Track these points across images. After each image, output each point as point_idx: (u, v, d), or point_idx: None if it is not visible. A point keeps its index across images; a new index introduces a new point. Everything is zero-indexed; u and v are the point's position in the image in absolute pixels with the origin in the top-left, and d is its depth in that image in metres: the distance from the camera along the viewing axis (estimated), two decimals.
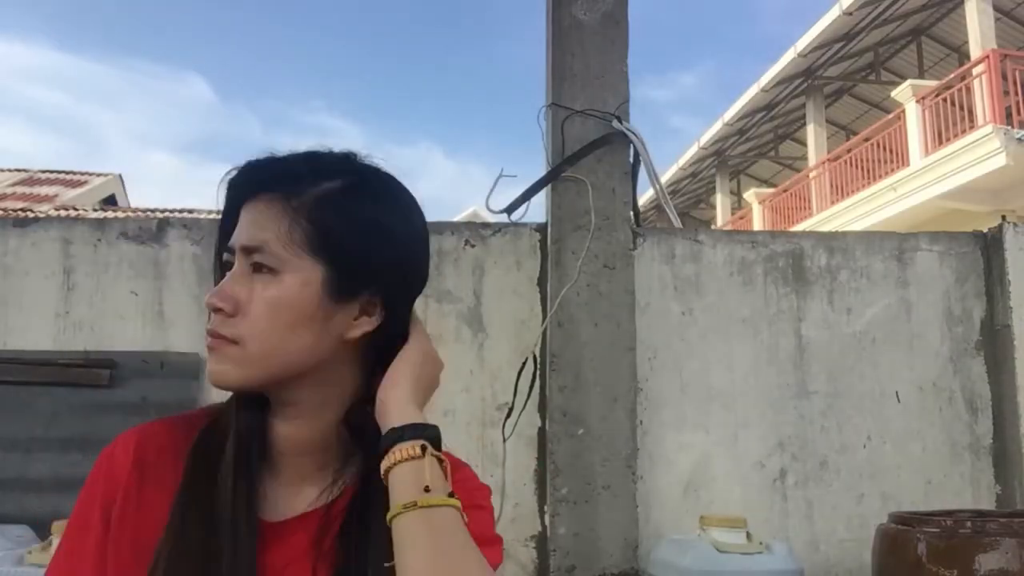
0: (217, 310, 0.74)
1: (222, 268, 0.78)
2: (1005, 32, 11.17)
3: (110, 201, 13.19)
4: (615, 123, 2.84)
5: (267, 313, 0.74)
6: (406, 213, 0.82)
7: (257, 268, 0.75)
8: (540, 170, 2.93)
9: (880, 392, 2.88)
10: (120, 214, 10.79)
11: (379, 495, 0.74)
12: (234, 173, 0.78)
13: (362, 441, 0.79)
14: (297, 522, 0.78)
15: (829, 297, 2.93)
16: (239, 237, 0.76)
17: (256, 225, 0.75)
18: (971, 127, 9.25)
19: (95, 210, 11.05)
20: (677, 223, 3.23)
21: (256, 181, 0.77)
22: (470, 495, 0.78)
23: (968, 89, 9.62)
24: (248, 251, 0.75)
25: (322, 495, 0.79)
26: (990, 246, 2.98)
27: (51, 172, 13.76)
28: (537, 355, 2.77)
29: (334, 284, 0.76)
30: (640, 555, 2.64)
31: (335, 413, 0.79)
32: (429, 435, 0.74)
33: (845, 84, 13.94)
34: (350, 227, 0.76)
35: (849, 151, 12.20)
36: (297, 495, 0.79)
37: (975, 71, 9.52)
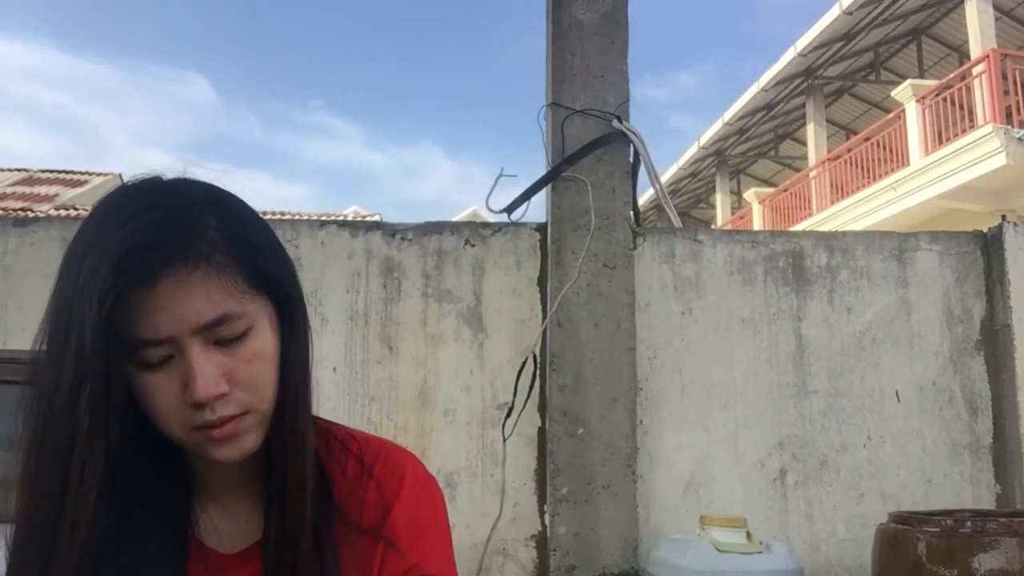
0: (219, 397, 0.70)
1: (143, 366, 0.69)
2: (1005, 32, 11.18)
3: None
4: (615, 123, 2.84)
5: (262, 368, 0.72)
6: (247, 203, 0.78)
7: (223, 339, 0.70)
8: (540, 170, 2.93)
9: (880, 392, 2.88)
10: None
11: (326, 519, 0.75)
12: (110, 275, 0.66)
13: (285, 461, 0.75)
14: (252, 550, 0.78)
15: (829, 297, 2.93)
16: (184, 322, 0.68)
17: (195, 300, 0.68)
18: (971, 127, 9.25)
19: None
20: (677, 223, 3.23)
21: (155, 263, 0.67)
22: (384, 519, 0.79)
23: (968, 89, 9.62)
24: (208, 327, 0.69)
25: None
26: (990, 246, 2.98)
27: (51, 172, 13.78)
28: (537, 355, 2.77)
29: (281, 307, 0.75)
30: (640, 555, 2.64)
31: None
32: None
33: (845, 84, 13.94)
34: (263, 244, 0.75)
35: (849, 151, 12.21)
36: (248, 524, 0.79)
37: (975, 71, 9.53)
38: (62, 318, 0.69)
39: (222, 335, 0.70)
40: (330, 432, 0.84)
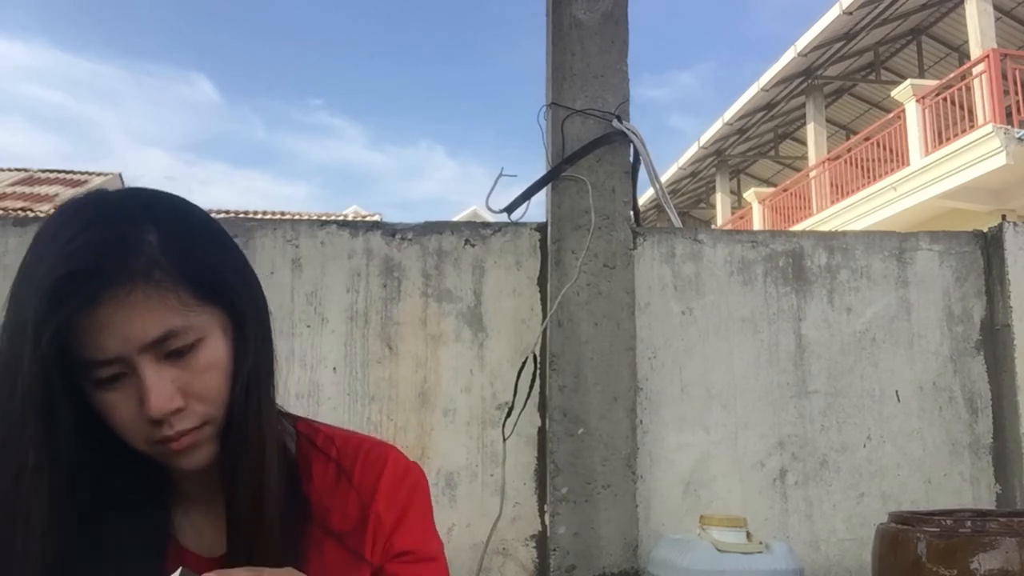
0: (175, 412, 0.69)
1: (97, 385, 0.69)
2: (1005, 31, 11.18)
3: None
4: (615, 122, 2.84)
5: (217, 378, 0.72)
6: (198, 208, 0.77)
7: (173, 352, 0.70)
8: (540, 169, 2.93)
9: (880, 392, 2.88)
10: None
11: (298, 526, 0.76)
12: (46, 307, 0.65)
13: (241, 466, 0.75)
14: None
15: (829, 297, 2.93)
16: (129, 341, 0.67)
17: (137, 320, 0.67)
18: (971, 126, 9.26)
19: None
20: (677, 222, 3.23)
21: (92, 287, 0.66)
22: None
23: (968, 88, 9.63)
24: (155, 343, 0.68)
25: None
26: (990, 245, 2.98)
27: (51, 172, 13.79)
28: (537, 355, 2.77)
29: (233, 313, 0.74)
30: (640, 555, 2.64)
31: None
32: None
33: (845, 84, 13.95)
34: (209, 253, 0.73)
35: (849, 150, 12.22)
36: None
37: (975, 70, 9.53)
38: (9, 348, 0.68)
39: (171, 349, 0.69)
40: (309, 437, 0.84)
